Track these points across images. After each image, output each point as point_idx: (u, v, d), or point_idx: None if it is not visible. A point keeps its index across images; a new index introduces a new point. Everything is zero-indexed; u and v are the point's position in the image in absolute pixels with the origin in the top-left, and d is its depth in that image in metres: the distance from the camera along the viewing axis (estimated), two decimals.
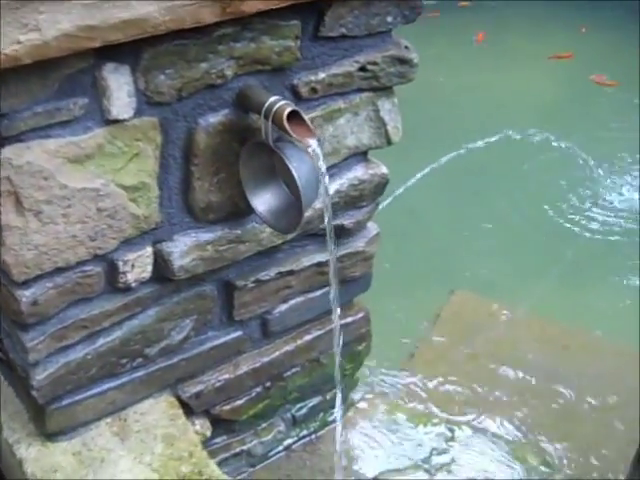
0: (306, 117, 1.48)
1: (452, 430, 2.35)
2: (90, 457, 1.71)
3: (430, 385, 2.51)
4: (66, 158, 1.40)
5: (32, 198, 1.39)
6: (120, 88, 1.39)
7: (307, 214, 1.75)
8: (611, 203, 3.36)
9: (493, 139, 3.69)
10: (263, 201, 1.63)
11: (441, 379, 2.53)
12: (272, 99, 1.48)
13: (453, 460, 2.27)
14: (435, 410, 2.42)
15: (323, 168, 1.51)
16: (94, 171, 1.45)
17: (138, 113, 1.45)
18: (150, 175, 1.53)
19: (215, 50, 1.47)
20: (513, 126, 3.75)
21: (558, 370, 2.57)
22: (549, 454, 2.30)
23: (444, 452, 2.29)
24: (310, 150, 1.49)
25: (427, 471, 2.24)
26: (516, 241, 3.15)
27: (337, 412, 1.92)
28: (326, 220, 1.60)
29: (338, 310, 1.76)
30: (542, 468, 2.26)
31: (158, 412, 1.81)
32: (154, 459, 1.70)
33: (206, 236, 1.67)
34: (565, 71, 4.46)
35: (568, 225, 3.23)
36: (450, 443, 2.32)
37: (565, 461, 2.27)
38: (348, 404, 2.36)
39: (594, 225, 3.24)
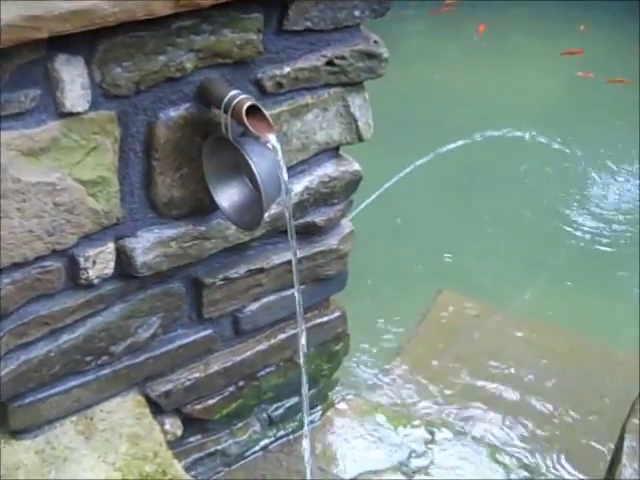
0: (266, 112, 1.46)
1: (432, 433, 2.32)
2: (53, 455, 1.69)
3: (412, 386, 2.49)
4: (19, 151, 1.38)
5: None
6: (73, 80, 1.37)
7: (274, 211, 1.74)
8: (607, 205, 3.32)
9: (495, 134, 3.64)
10: (227, 197, 1.61)
11: (424, 380, 2.51)
12: (232, 93, 1.46)
13: (432, 463, 2.24)
14: (416, 412, 2.40)
15: (282, 163, 1.48)
16: (50, 165, 1.43)
17: (94, 106, 1.42)
18: (109, 169, 1.51)
19: (173, 43, 1.45)
20: (514, 124, 3.70)
21: (543, 372, 2.54)
22: (529, 458, 2.27)
23: (423, 455, 2.26)
24: (269, 145, 1.46)
25: (405, 473, 2.21)
26: (509, 242, 3.12)
27: (305, 417, 1.88)
28: (286, 216, 1.58)
29: (301, 311, 1.74)
30: (522, 472, 2.22)
31: (125, 411, 1.79)
32: (118, 458, 1.68)
33: (170, 232, 1.64)
34: (568, 68, 4.40)
35: (563, 227, 3.19)
36: (430, 445, 2.29)
37: (544, 465, 2.24)
38: (327, 404, 2.33)
39: (588, 228, 3.20)
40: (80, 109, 1.40)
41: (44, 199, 1.45)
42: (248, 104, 1.44)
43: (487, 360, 2.56)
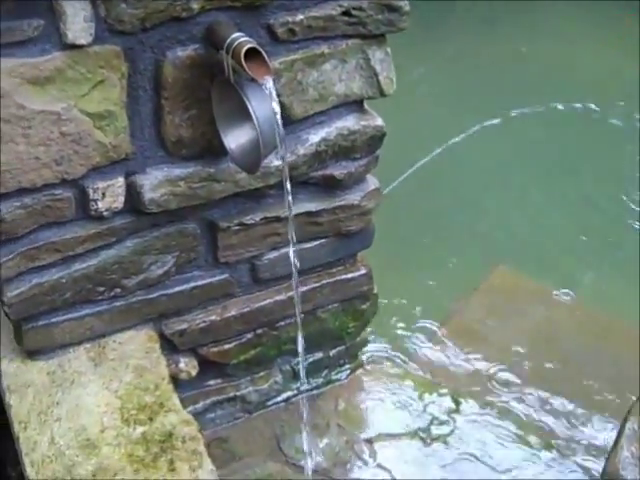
0: (265, 55, 1.47)
1: (458, 403, 2.29)
2: (62, 378, 1.78)
3: (448, 355, 2.45)
4: (24, 79, 1.45)
5: None
6: (76, 13, 1.43)
7: (290, 159, 1.75)
8: None
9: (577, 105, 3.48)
10: (233, 139, 1.64)
11: (461, 351, 2.47)
12: (234, 35, 1.49)
13: (452, 432, 2.22)
14: (445, 381, 2.36)
15: (277, 108, 1.50)
16: (55, 95, 1.49)
17: (99, 40, 1.48)
18: (116, 104, 1.56)
19: None
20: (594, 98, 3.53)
21: (589, 358, 2.45)
22: (556, 439, 2.20)
23: (445, 423, 2.24)
24: (264, 88, 1.48)
25: (423, 440, 2.20)
26: (574, 221, 2.99)
27: (302, 381, 1.90)
28: (282, 163, 1.59)
29: (296, 273, 1.75)
30: (545, 452, 2.17)
31: (136, 344, 1.86)
32: (121, 387, 1.75)
33: (178, 171, 1.69)
34: None
35: (635, 209, 3.04)
36: (453, 415, 2.26)
37: (570, 449, 2.17)
38: (356, 364, 2.34)
39: None
40: (83, 41, 1.46)
41: (50, 128, 1.52)
42: (248, 46, 1.46)
43: (535, 339, 2.48)
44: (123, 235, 1.74)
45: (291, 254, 1.72)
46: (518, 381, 2.36)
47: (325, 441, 2.17)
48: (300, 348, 1.87)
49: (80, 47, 1.47)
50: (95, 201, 1.64)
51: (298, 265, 1.74)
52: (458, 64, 3.70)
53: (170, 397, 1.75)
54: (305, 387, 2.26)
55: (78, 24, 1.44)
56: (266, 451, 2.14)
